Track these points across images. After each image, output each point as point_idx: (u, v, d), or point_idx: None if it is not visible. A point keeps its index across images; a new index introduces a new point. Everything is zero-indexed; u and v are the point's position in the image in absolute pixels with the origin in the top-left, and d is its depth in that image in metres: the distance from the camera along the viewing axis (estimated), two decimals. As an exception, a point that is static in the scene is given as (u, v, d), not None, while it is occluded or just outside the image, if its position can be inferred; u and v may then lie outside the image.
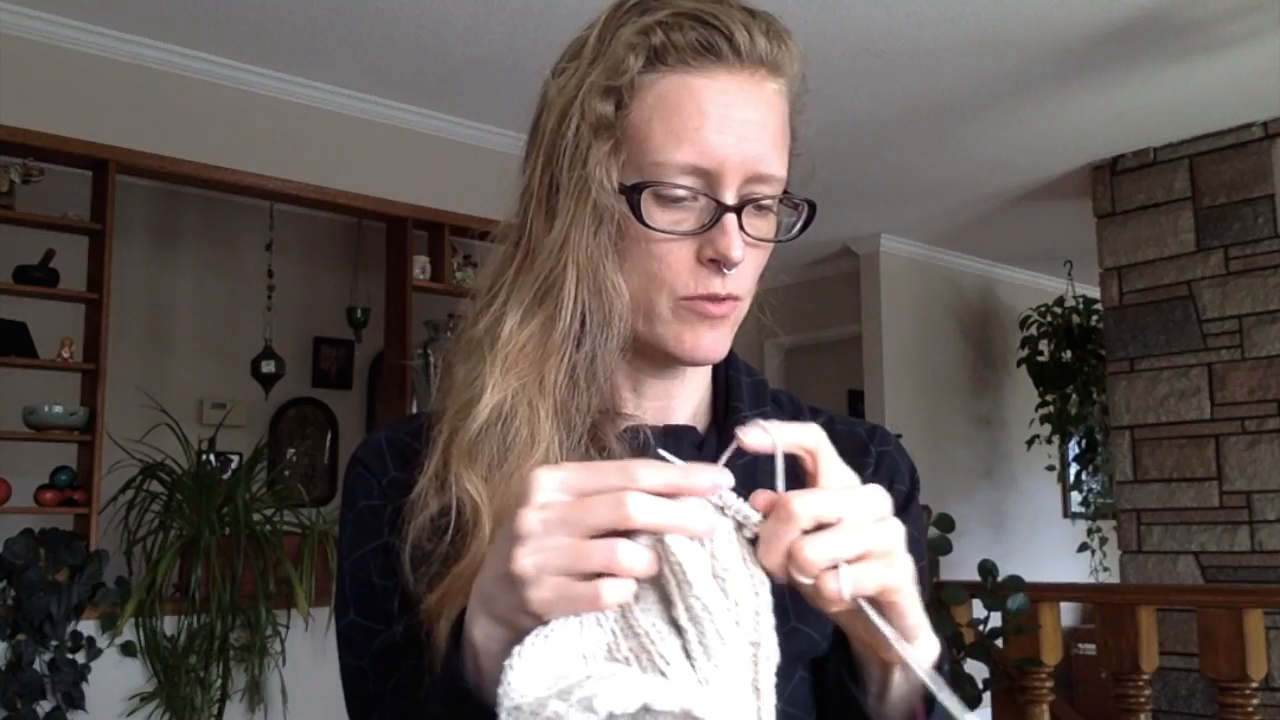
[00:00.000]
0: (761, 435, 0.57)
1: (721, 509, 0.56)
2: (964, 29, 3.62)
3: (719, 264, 0.74)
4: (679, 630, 0.55)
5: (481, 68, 3.91)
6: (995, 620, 3.60)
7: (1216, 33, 3.67)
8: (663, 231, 0.74)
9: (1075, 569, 6.24)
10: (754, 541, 0.56)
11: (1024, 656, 3.52)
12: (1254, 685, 3.06)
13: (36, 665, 3.00)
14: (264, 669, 3.36)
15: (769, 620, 0.55)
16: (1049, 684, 3.56)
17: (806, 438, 0.58)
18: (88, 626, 3.14)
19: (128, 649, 3.19)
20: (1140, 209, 4.81)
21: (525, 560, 0.55)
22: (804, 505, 0.55)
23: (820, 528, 0.55)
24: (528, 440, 0.74)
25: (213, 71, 3.86)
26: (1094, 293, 5.58)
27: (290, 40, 3.71)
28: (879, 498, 0.58)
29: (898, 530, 0.57)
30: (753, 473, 0.74)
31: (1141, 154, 4.80)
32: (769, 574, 0.56)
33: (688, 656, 0.54)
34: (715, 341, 0.77)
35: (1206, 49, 3.79)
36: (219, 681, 3.26)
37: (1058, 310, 6.10)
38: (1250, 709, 3.06)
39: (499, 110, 4.23)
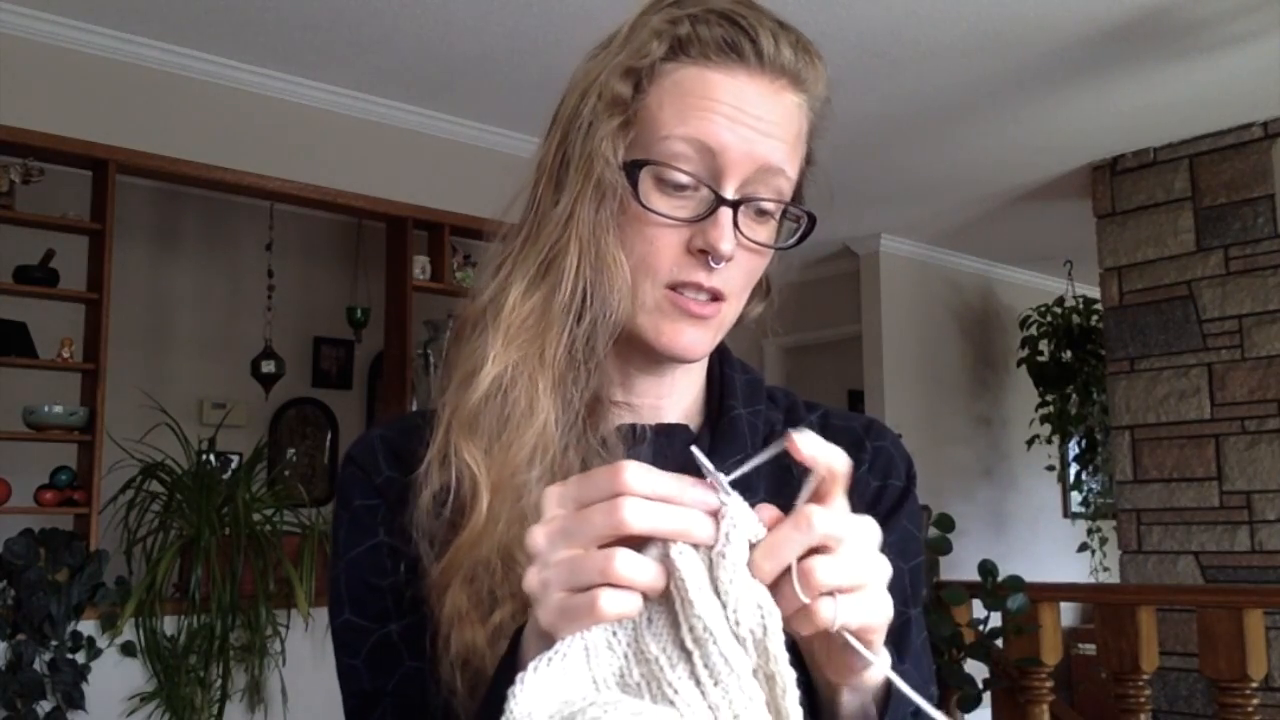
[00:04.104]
0: (816, 444, 0.55)
1: (732, 527, 0.54)
2: (964, 29, 3.62)
3: (707, 255, 0.74)
4: (687, 654, 0.53)
5: (481, 68, 3.91)
6: (995, 620, 3.61)
7: (1216, 33, 3.67)
8: (658, 214, 0.75)
9: (1075, 569, 6.23)
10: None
11: (1024, 656, 3.52)
12: (1254, 685, 3.06)
13: (36, 665, 3.00)
14: (264, 669, 3.36)
15: (782, 655, 0.52)
16: (1049, 684, 3.56)
17: (839, 461, 0.57)
18: (88, 626, 3.14)
19: (128, 649, 3.19)
20: (1140, 209, 4.80)
21: (534, 578, 0.55)
22: (823, 521, 0.54)
23: (819, 549, 0.54)
24: (526, 411, 0.74)
25: (213, 71, 3.86)
26: (1094, 293, 5.58)
27: (290, 40, 3.72)
28: (873, 530, 0.57)
29: (887, 568, 0.57)
30: (740, 483, 0.74)
31: (1141, 154, 4.80)
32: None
33: (697, 683, 0.52)
34: (695, 339, 0.77)
35: (1206, 49, 3.79)
36: (219, 681, 3.26)
37: (1058, 310, 6.09)
38: (1250, 709, 3.05)
39: (499, 110, 4.23)
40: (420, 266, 4.22)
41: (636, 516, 0.52)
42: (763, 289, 0.87)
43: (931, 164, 4.94)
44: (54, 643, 3.02)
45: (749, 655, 0.52)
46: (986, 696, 3.71)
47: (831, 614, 0.54)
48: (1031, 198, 5.39)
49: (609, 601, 0.53)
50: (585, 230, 0.75)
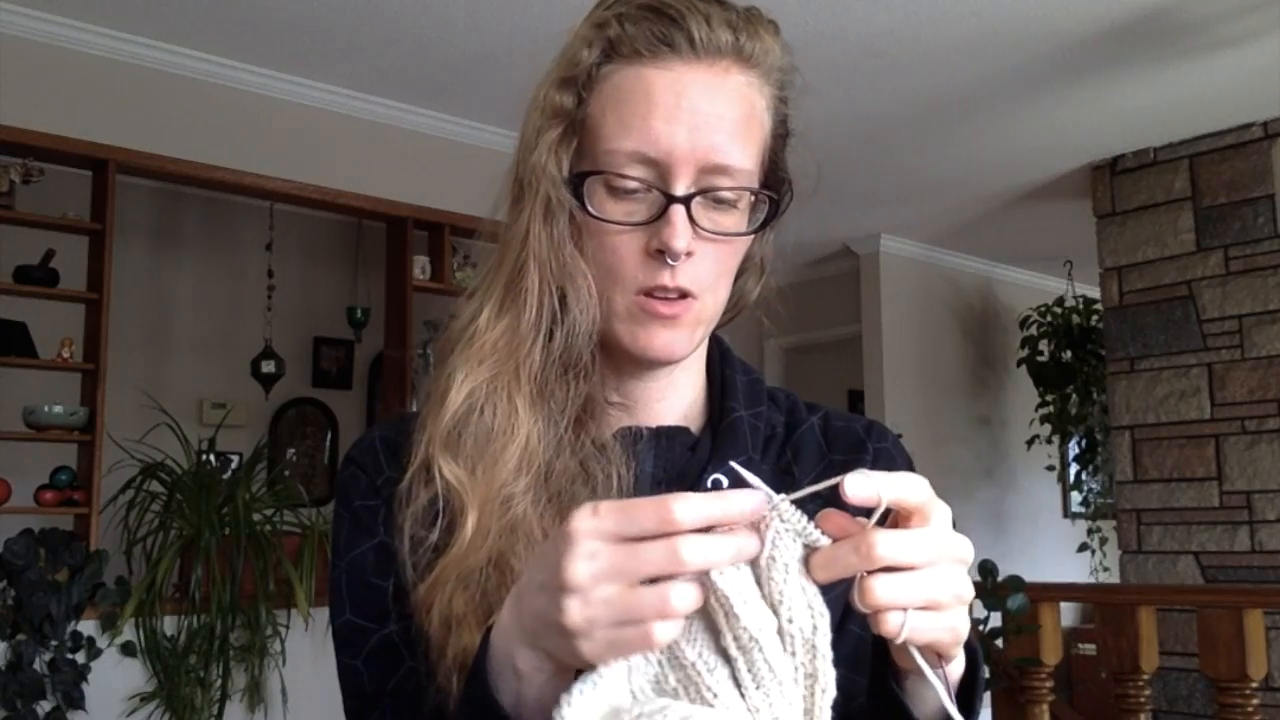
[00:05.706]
0: (866, 484, 0.53)
1: (780, 530, 0.55)
2: (964, 29, 3.62)
3: (665, 255, 0.73)
4: (728, 659, 0.54)
5: (481, 68, 3.91)
6: (995, 620, 3.60)
7: (1216, 33, 3.67)
8: (610, 221, 0.74)
9: (1075, 569, 6.23)
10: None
11: (1024, 656, 3.52)
12: (1254, 685, 3.06)
13: (36, 665, 3.00)
14: (264, 669, 3.36)
15: (827, 653, 0.54)
16: (1049, 684, 3.55)
17: (914, 494, 0.55)
18: (88, 626, 3.14)
19: (128, 649, 3.19)
20: (1140, 209, 4.80)
21: (577, 614, 0.54)
22: (887, 549, 0.53)
23: (894, 567, 0.54)
24: (505, 428, 0.74)
25: (213, 71, 3.86)
26: (1094, 293, 5.58)
27: (290, 40, 3.71)
28: (963, 548, 0.57)
29: (969, 587, 0.57)
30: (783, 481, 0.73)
31: (1141, 154, 4.80)
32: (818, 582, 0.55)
33: (737, 685, 0.54)
34: (670, 341, 0.76)
35: (1206, 49, 3.79)
36: (219, 681, 3.26)
37: (1058, 310, 6.09)
38: (1250, 709, 3.05)
39: (499, 110, 4.23)
40: (420, 266, 4.23)
41: (694, 555, 0.52)
42: (758, 268, 0.86)
43: (931, 164, 4.94)
44: (54, 643, 3.02)
45: (796, 654, 0.54)
46: (987, 697, 3.71)
47: (897, 626, 0.54)
48: (1031, 198, 5.39)
49: (663, 633, 0.53)
50: (542, 247, 0.75)
